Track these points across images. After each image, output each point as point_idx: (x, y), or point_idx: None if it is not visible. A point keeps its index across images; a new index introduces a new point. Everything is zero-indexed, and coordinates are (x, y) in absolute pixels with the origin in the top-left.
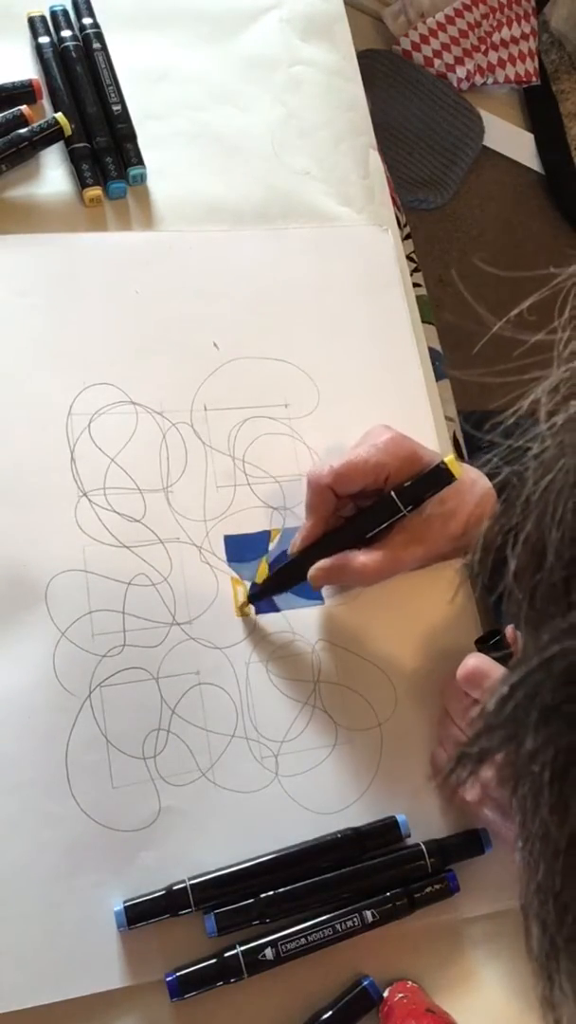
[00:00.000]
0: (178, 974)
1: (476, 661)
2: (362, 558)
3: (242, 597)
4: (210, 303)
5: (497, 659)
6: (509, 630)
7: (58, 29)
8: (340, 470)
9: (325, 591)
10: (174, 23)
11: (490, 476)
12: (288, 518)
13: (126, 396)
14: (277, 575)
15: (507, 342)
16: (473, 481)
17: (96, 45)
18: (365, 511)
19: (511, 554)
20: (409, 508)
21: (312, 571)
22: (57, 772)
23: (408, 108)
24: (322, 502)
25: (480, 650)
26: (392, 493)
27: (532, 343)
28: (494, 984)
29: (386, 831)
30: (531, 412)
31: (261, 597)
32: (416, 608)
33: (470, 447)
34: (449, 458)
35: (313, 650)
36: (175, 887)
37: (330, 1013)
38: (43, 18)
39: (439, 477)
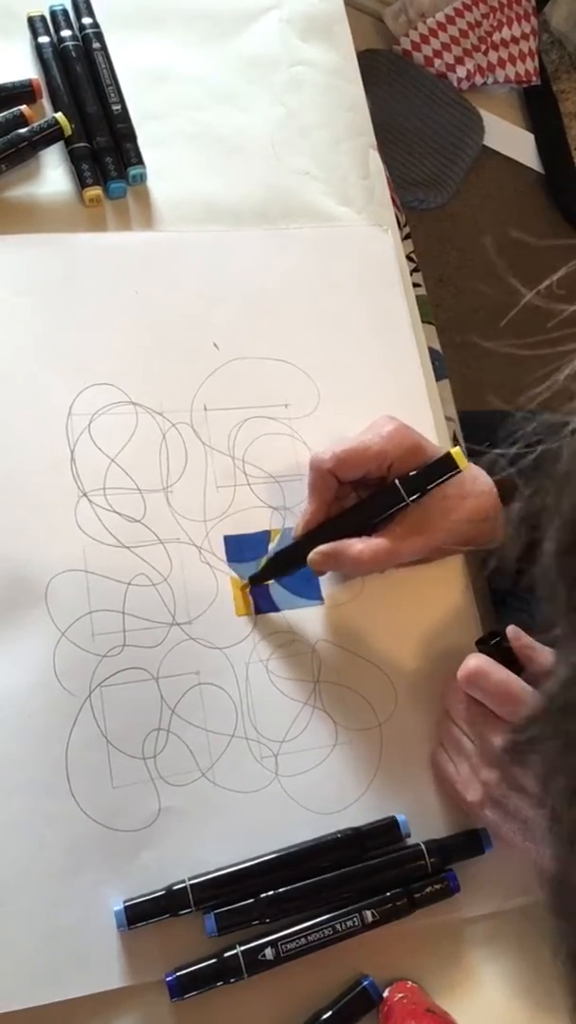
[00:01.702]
0: (178, 974)
1: (477, 662)
2: (359, 546)
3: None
4: (210, 303)
5: (499, 660)
6: (510, 630)
7: (58, 29)
8: (342, 455)
9: (325, 590)
10: (174, 23)
11: (493, 475)
12: (288, 518)
13: (126, 396)
14: (277, 557)
15: (532, 319)
16: (475, 477)
17: (96, 45)
18: (368, 499)
19: (548, 536)
20: (413, 498)
21: (312, 555)
22: (57, 772)
23: (408, 108)
24: (324, 486)
25: (481, 651)
26: (396, 481)
27: (565, 315)
28: (494, 984)
29: (386, 831)
30: (565, 390)
31: (261, 580)
32: (416, 608)
33: (469, 447)
34: (455, 449)
35: (313, 650)
36: (175, 887)
37: (330, 1013)
38: (43, 18)
39: (444, 467)
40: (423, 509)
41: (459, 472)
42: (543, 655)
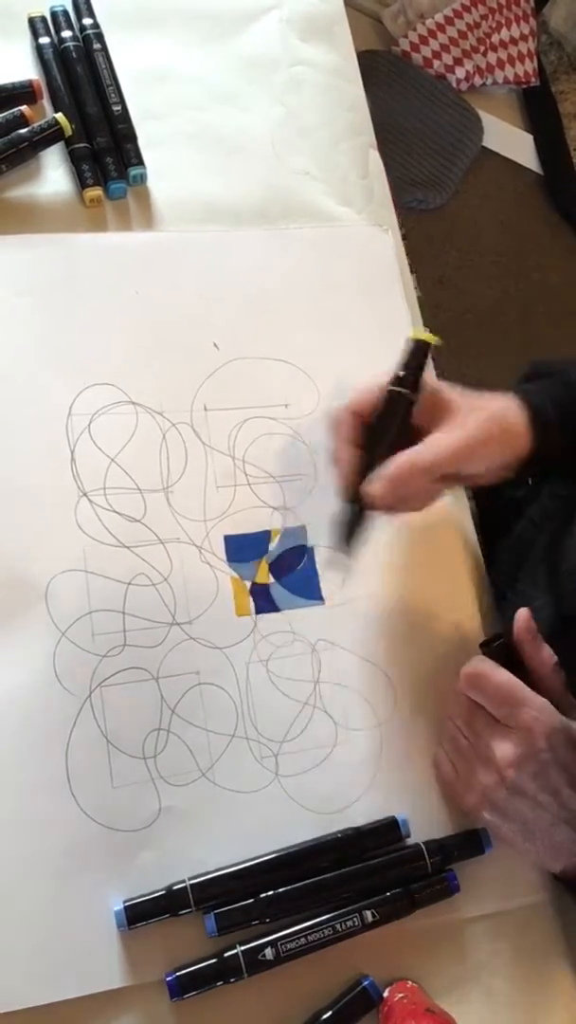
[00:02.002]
0: (178, 974)
1: (479, 665)
2: (418, 449)
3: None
4: (210, 303)
5: (502, 662)
6: (520, 613)
7: (58, 29)
8: (359, 394)
9: (325, 590)
10: (174, 23)
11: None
12: (288, 518)
13: (126, 396)
14: (345, 526)
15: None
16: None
17: (96, 45)
18: (379, 422)
19: None
20: (414, 394)
21: (374, 488)
22: (57, 772)
23: (407, 109)
24: (350, 428)
25: (485, 653)
26: (389, 388)
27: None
28: (494, 984)
29: (386, 831)
30: None
31: (344, 549)
32: (416, 609)
33: None
34: (414, 329)
35: (313, 650)
36: (175, 887)
37: (330, 1013)
38: (43, 18)
39: (418, 350)
40: (446, 409)
41: (431, 345)
42: (545, 652)
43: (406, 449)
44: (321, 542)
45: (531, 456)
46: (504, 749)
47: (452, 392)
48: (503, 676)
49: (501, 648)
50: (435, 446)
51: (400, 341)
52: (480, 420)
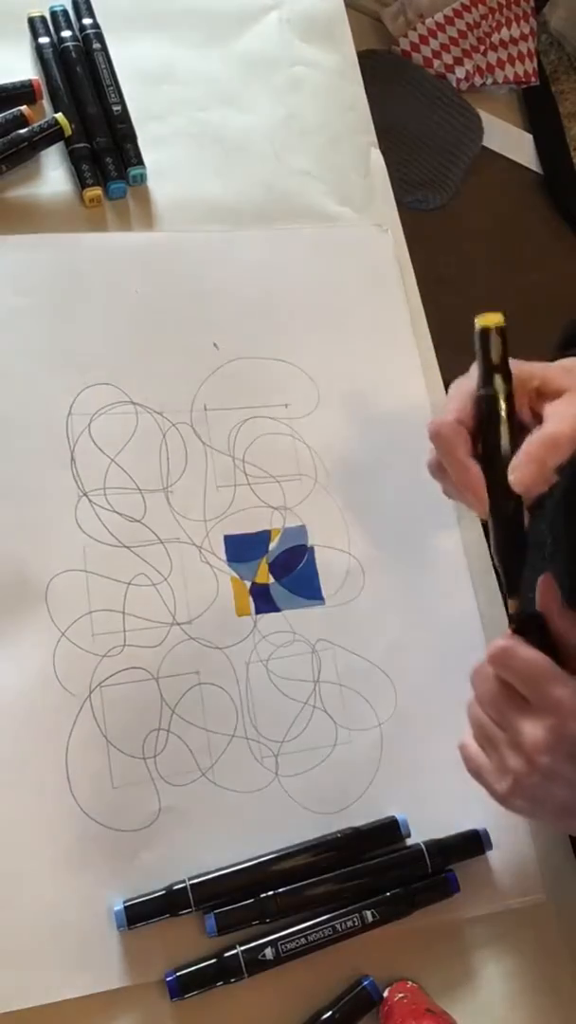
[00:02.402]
0: (178, 974)
1: (506, 641)
2: (559, 420)
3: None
4: (210, 303)
5: (532, 640)
6: (542, 579)
7: (58, 29)
8: (457, 402)
9: (325, 590)
10: (174, 23)
11: None
12: (288, 518)
13: (126, 396)
14: (512, 546)
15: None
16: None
17: (96, 45)
18: (486, 424)
19: None
20: (502, 387)
21: (523, 475)
22: (57, 772)
23: (407, 108)
24: (464, 440)
25: (514, 630)
26: (483, 391)
27: None
28: (494, 984)
29: (386, 831)
30: None
31: (516, 578)
32: (416, 608)
33: None
34: (479, 317)
35: (313, 650)
36: (175, 887)
37: (330, 1013)
38: (43, 18)
39: (495, 338)
40: (548, 383)
41: (502, 328)
42: (572, 621)
43: (526, 439)
44: (321, 542)
45: None
46: (535, 733)
47: (539, 367)
48: (531, 652)
49: (531, 624)
50: (564, 417)
51: (400, 341)
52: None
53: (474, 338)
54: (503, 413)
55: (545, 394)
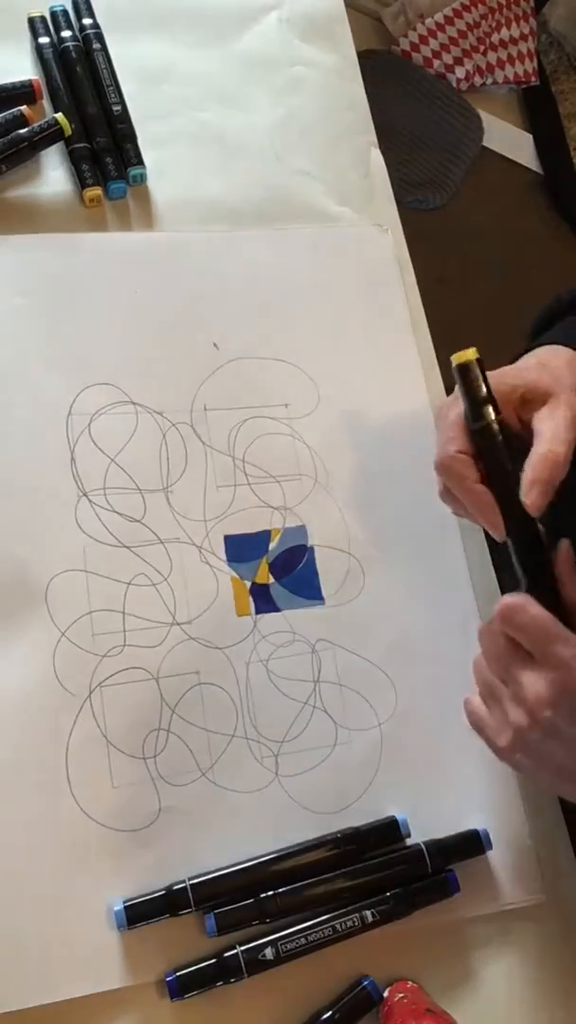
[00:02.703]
0: (178, 974)
1: (515, 598)
2: (551, 437)
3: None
4: (210, 303)
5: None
6: (563, 545)
7: (58, 29)
8: (455, 433)
9: (325, 590)
10: (174, 23)
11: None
12: (288, 518)
13: (126, 396)
14: (528, 563)
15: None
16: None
17: (96, 45)
18: (486, 454)
19: None
20: (492, 417)
21: (533, 497)
22: (57, 772)
23: (407, 108)
24: (470, 468)
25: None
26: (473, 427)
27: None
28: (494, 984)
29: (386, 831)
30: None
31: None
32: (416, 608)
33: None
34: (455, 356)
35: (313, 650)
36: (175, 887)
37: (330, 1013)
38: (43, 18)
39: (472, 372)
40: (533, 391)
41: (471, 361)
42: None
43: (528, 462)
44: (321, 542)
45: None
46: (538, 687)
47: (522, 374)
48: (539, 610)
49: (543, 588)
50: (557, 432)
51: (400, 341)
52: (568, 390)
53: (454, 375)
54: (499, 440)
55: (531, 401)
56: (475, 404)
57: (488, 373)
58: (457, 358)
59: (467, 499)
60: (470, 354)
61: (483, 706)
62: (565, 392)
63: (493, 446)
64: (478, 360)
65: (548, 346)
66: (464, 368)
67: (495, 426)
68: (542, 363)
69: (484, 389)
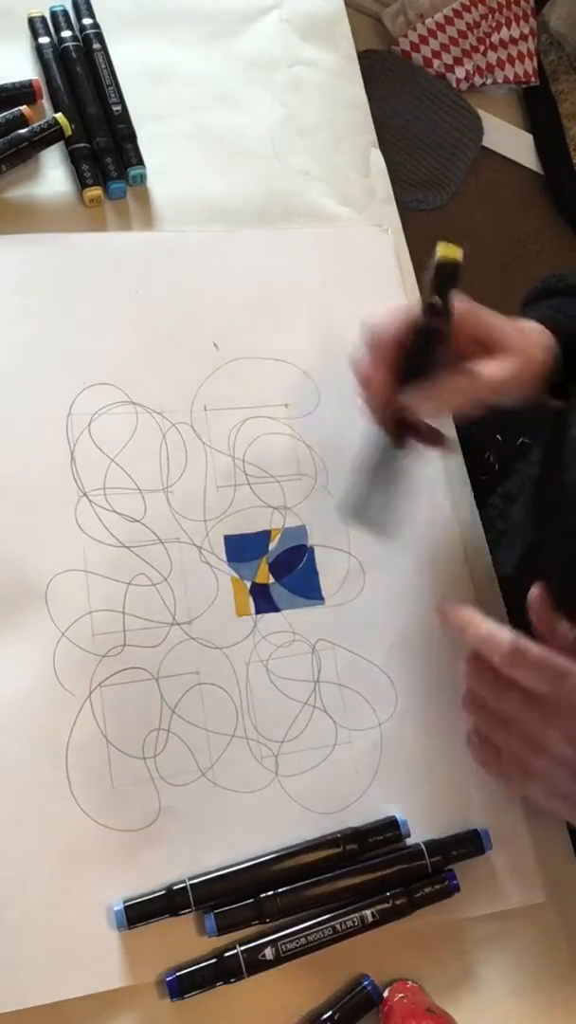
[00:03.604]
0: (178, 974)
1: (516, 642)
2: (480, 376)
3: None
4: (210, 303)
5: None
6: (532, 591)
7: (58, 29)
8: (394, 319)
9: (325, 590)
10: (174, 23)
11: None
12: (288, 518)
13: (126, 396)
14: (375, 463)
15: None
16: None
17: (96, 45)
18: (413, 350)
19: None
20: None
21: (420, 400)
22: (57, 772)
23: (407, 108)
24: (389, 350)
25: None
26: (424, 320)
27: None
28: (494, 984)
29: (386, 831)
30: None
31: (364, 509)
32: (416, 608)
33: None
34: (441, 246)
35: (313, 650)
36: (175, 887)
37: (330, 1013)
38: (43, 18)
39: (450, 271)
40: (490, 333)
41: (459, 263)
42: (563, 630)
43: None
44: (321, 542)
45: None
46: (555, 728)
47: (493, 316)
48: (540, 649)
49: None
50: (488, 376)
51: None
52: (527, 352)
53: (431, 263)
54: (436, 347)
55: (485, 344)
56: (434, 303)
57: (470, 301)
58: (444, 250)
59: (366, 370)
60: (457, 254)
61: (493, 753)
62: (521, 355)
63: (427, 350)
64: (458, 265)
65: (530, 320)
66: (444, 266)
67: (438, 329)
68: (523, 329)
69: (447, 293)
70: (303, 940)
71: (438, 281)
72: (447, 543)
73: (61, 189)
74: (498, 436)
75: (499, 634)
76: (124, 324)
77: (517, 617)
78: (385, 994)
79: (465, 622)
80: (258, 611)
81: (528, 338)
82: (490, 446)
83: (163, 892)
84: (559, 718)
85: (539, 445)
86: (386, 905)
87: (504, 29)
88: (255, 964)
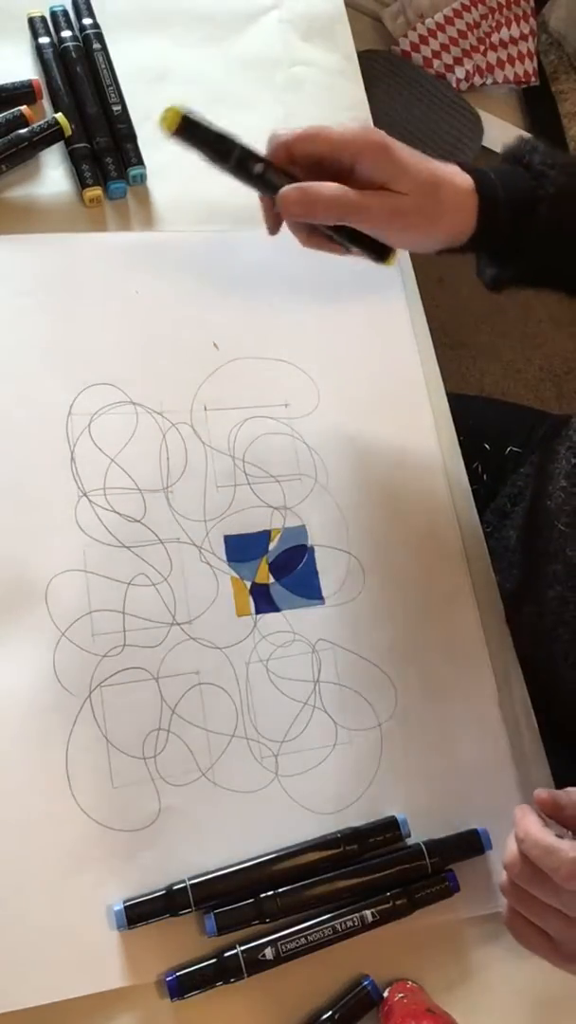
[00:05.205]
0: (178, 974)
1: (522, 821)
2: (361, 197)
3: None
4: (210, 303)
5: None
6: (537, 795)
7: (58, 29)
8: (302, 132)
9: (325, 590)
10: (174, 23)
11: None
12: (288, 518)
13: (126, 396)
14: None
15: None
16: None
17: (96, 45)
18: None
19: None
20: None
21: (289, 192)
22: (57, 772)
23: (407, 108)
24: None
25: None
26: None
27: None
28: (494, 984)
29: (386, 831)
30: None
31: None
32: (417, 608)
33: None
34: (164, 121)
35: (313, 650)
36: (175, 887)
37: (330, 1013)
38: (43, 18)
39: (190, 131)
40: (392, 166)
41: (180, 115)
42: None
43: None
44: (321, 542)
45: (474, 234)
46: None
47: (404, 151)
48: (540, 832)
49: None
50: (366, 202)
51: (400, 341)
52: (420, 194)
53: (177, 137)
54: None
55: (385, 159)
56: (216, 145)
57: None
58: (166, 122)
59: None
60: (176, 110)
61: (538, 937)
62: (407, 196)
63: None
64: (185, 115)
65: (454, 167)
66: (183, 127)
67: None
68: (421, 162)
69: (205, 127)
70: (303, 940)
71: (193, 135)
72: (447, 543)
73: (61, 189)
74: (486, 446)
75: (562, 852)
76: (124, 324)
77: (514, 623)
78: (385, 994)
79: (525, 831)
80: (258, 611)
81: (430, 183)
82: (478, 457)
83: (163, 892)
84: None
85: (530, 460)
86: (386, 905)
87: (504, 29)
88: (255, 964)
